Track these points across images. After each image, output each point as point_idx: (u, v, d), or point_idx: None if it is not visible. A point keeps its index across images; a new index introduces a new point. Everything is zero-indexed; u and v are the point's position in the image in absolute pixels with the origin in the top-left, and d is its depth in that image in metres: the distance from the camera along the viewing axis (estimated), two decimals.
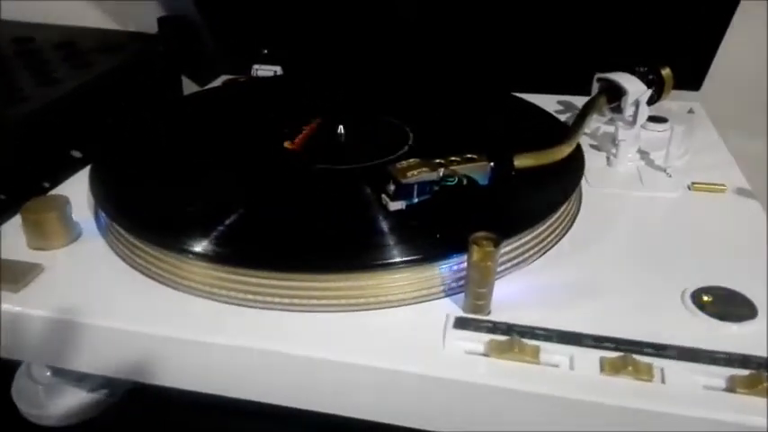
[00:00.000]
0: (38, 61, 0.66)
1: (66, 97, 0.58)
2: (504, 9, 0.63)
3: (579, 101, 0.60)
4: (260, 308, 0.35)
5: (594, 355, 0.31)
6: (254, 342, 0.33)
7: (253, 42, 0.69)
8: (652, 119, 0.53)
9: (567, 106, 0.62)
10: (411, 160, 0.38)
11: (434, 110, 0.55)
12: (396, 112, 0.52)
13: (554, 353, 0.31)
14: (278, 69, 0.67)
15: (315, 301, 0.35)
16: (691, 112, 0.60)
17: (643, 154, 0.50)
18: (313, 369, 0.33)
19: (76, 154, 0.59)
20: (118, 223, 0.39)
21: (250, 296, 0.35)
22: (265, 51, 0.69)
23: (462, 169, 0.39)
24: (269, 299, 0.35)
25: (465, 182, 0.38)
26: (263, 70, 0.67)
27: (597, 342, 0.32)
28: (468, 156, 0.39)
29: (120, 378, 0.37)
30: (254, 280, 0.35)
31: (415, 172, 0.38)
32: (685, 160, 0.50)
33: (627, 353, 0.31)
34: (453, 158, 0.39)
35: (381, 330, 0.33)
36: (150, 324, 0.34)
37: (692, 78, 0.63)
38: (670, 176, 0.48)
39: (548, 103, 0.59)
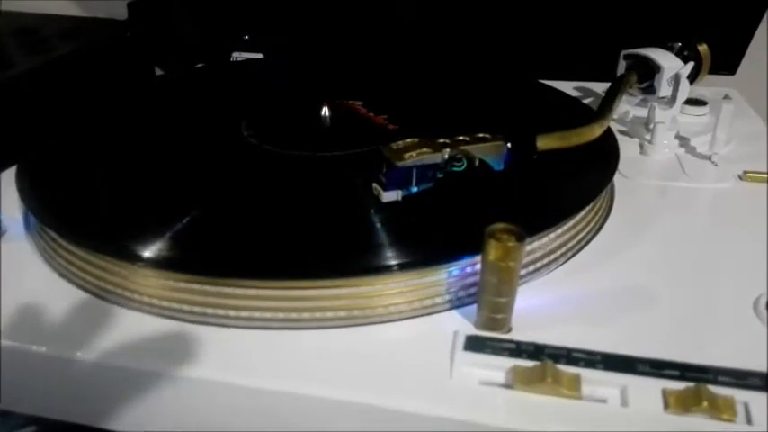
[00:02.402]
0: None
1: (15, 80, 0.50)
2: None
3: (598, 87, 0.54)
4: (221, 326, 0.28)
5: (654, 385, 0.23)
6: (209, 372, 0.25)
7: (233, 27, 0.62)
8: (688, 101, 0.46)
9: (586, 92, 0.54)
10: (409, 140, 0.31)
11: (432, 97, 0.47)
12: (388, 99, 0.44)
13: (600, 383, 0.23)
14: (260, 57, 0.59)
15: (284, 316, 0.27)
16: (727, 98, 0.53)
17: (682, 140, 0.43)
18: (281, 404, 0.25)
19: None
20: (42, 220, 0.31)
21: (210, 311, 0.28)
22: (246, 37, 0.62)
23: (472, 151, 0.31)
24: (232, 313, 0.28)
25: (477, 163, 0.31)
26: (244, 58, 0.60)
27: (656, 368, 0.24)
28: (480, 135, 0.32)
29: (49, 417, 0.30)
30: (212, 289, 0.28)
31: (414, 153, 0.30)
32: (729, 149, 0.43)
33: (698, 382, 0.23)
34: (461, 138, 0.32)
35: (370, 353, 0.26)
36: (86, 348, 0.26)
37: (726, 61, 0.55)
38: (716, 165, 0.40)
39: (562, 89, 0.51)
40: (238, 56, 0.60)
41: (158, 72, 0.67)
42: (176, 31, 0.65)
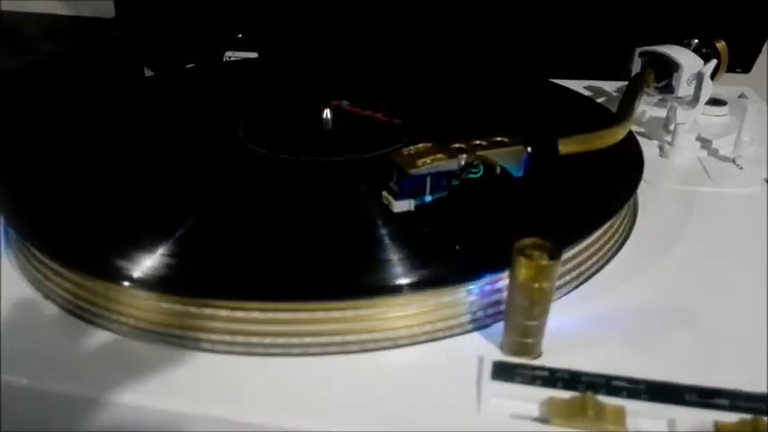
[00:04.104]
0: None
1: None
2: None
3: (608, 86, 0.52)
4: (217, 352, 0.25)
5: (704, 417, 0.21)
6: (202, 406, 0.23)
7: (226, 26, 0.60)
8: (707, 101, 0.43)
9: (596, 92, 0.52)
10: (421, 145, 0.29)
11: (436, 98, 0.45)
12: (393, 100, 0.42)
13: (645, 415, 0.21)
14: (254, 56, 0.57)
15: (285, 342, 0.25)
16: (743, 96, 0.51)
17: (703, 142, 0.41)
18: None
19: None
20: (23, 234, 0.29)
21: (205, 336, 0.25)
22: (240, 36, 0.59)
23: (491, 156, 0.29)
24: (219, 338, 0.25)
25: (498, 170, 0.29)
26: (238, 57, 0.57)
27: (705, 398, 0.21)
28: (498, 139, 0.30)
29: None
30: (207, 312, 0.25)
31: (428, 160, 0.28)
32: (752, 150, 0.41)
33: (754, 414, 0.21)
34: (478, 142, 0.29)
35: (385, 383, 0.23)
36: (72, 380, 0.24)
37: (741, 59, 0.53)
38: (741, 168, 0.38)
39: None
40: (231, 55, 0.58)
41: (148, 73, 0.64)
42: (166, 30, 0.62)
